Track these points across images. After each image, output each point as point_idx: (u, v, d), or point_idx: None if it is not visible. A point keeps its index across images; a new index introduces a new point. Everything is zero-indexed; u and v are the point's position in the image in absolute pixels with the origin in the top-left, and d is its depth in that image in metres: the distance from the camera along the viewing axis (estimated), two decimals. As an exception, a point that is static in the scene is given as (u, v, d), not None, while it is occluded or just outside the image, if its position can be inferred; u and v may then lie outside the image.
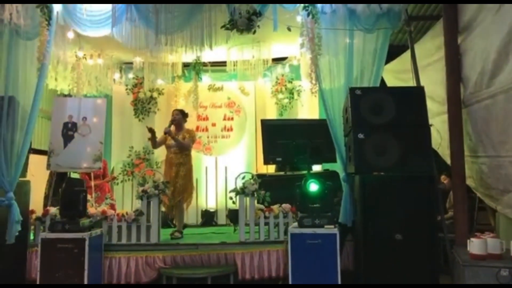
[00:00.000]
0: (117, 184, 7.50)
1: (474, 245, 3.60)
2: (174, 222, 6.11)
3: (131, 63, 7.32)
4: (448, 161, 4.88)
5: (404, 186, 4.08)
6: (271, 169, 6.90)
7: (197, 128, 7.81)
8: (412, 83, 5.16)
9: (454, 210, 4.66)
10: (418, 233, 3.98)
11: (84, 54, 6.59)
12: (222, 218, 7.35)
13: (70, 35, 5.43)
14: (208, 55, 6.78)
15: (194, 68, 7.53)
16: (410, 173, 4.12)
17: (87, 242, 4.24)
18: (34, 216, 4.92)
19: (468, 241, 3.71)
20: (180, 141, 5.72)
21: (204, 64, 7.54)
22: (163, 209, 5.52)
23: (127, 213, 4.96)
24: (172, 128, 5.78)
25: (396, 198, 4.05)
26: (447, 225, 4.79)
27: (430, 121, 4.32)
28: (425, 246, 3.97)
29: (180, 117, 5.92)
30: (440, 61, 4.96)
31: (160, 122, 7.72)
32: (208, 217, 7.31)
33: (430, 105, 4.59)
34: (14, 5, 4.36)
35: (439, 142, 5.05)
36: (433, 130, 4.45)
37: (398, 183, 4.09)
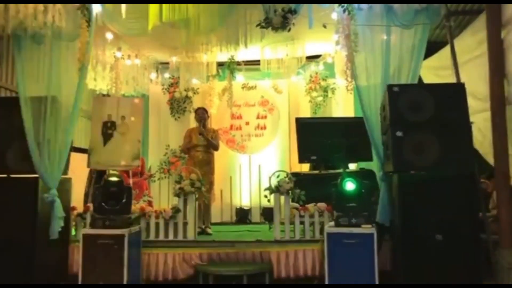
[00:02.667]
0: (154, 181, 7.65)
1: (520, 247, 3.47)
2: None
3: (167, 63, 7.46)
4: (491, 161, 4.72)
5: (444, 185, 3.97)
6: (305, 167, 6.87)
7: (231, 126, 7.88)
8: (451, 79, 5.01)
9: (498, 211, 4.50)
10: (459, 233, 3.87)
11: (122, 55, 6.74)
12: (256, 216, 7.39)
13: (109, 36, 5.57)
14: (242, 54, 6.82)
15: (228, 67, 7.58)
16: (450, 172, 4.01)
17: (126, 238, 4.33)
18: (75, 212, 5.07)
19: (513, 243, 3.58)
20: (211, 141, 5.85)
21: (238, 63, 7.58)
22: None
23: (164, 210, 5.05)
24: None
25: (435, 197, 3.95)
26: (489, 225, 4.63)
27: (471, 119, 4.19)
28: (466, 247, 3.86)
29: (207, 116, 6.08)
30: (481, 56, 4.81)
31: (195, 121, 7.83)
32: (243, 215, 7.36)
33: (471, 102, 4.44)
34: (57, 7, 4.50)
35: (480, 140, 4.89)
36: (474, 128, 4.32)
37: (438, 182, 3.99)
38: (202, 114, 6.13)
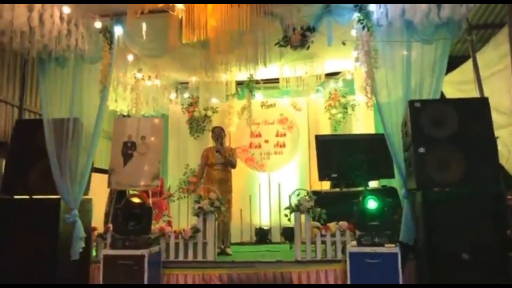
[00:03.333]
0: (173, 201, 7.65)
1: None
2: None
3: (187, 83, 7.54)
4: (517, 176, 4.59)
5: (470, 202, 3.87)
6: (325, 185, 6.79)
7: (250, 144, 7.87)
8: (473, 94, 4.92)
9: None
10: (486, 252, 3.75)
11: (143, 76, 6.84)
12: (276, 236, 7.30)
13: (130, 57, 5.67)
14: (261, 72, 6.84)
15: (247, 86, 7.62)
16: (476, 189, 3.90)
17: (146, 259, 4.31)
18: (96, 233, 5.09)
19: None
20: (229, 158, 5.87)
21: (257, 82, 7.61)
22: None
23: (184, 230, 5.02)
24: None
25: (461, 215, 3.85)
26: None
27: (496, 134, 4.09)
28: (494, 266, 3.73)
29: (223, 134, 6.11)
30: (504, 70, 4.72)
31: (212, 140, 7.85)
32: (262, 235, 7.28)
33: (495, 116, 4.34)
34: (80, 31, 4.61)
35: (506, 156, 4.76)
36: (499, 143, 4.21)
37: (463, 200, 3.89)
38: (218, 133, 6.17)
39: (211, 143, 7.74)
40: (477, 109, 4.10)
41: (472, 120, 4.02)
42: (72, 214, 4.44)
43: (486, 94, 4.64)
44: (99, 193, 5.97)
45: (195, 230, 4.97)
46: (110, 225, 5.11)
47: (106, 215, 6.56)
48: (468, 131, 3.98)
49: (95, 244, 5.09)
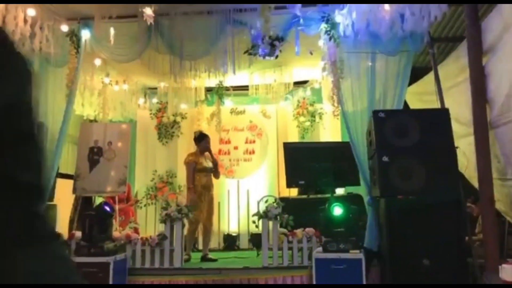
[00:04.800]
0: (141, 207, 7.56)
1: (507, 271, 3.48)
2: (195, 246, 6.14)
3: (156, 88, 7.48)
4: (476, 185, 4.77)
5: (431, 210, 4.00)
6: (293, 192, 6.86)
7: (219, 151, 7.85)
8: (435, 105, 5.09)
9: (483, 234, 4.53)
10: (446, 258, 3.88)
11: (110, 80, 6.76)
12: (244, 242, 7.30)
13: (97, 62, 5.60)
14: (231, 79, 6.88)
15: (217, 93, 7.63)
16: (437, 197, 4.04)
17: (111, 266, 4.26)
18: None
19: (499, 267, 3.59)
20: (217, 167, 5.97)
21: (227, 89, 7.63)
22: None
23: (150, 237, 4.98)
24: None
25: (422, 222, 3.97)
26: (475, 249, 4.65)
27: (456, 144, 4.25)
28: (453, 271, 3.87)
29: None
30: (464, 82, 4.91)
31: (183, 146, 7.82)
32: (230, 241, 7.27)
33: (455, 127, 4.52)
34: (44, 34, 4.53)
35: (465, 165, 4.94)
36: (459, 153, 4.38)
37: (425, 207, 4.01)
38: (209, 142, 6.18)
39: (180, 149, 7.74)
40: (438, 120, 4.25)
41: (433, 130, 4.16)
42: (34, 221, 4.33)
43: (447, 105, 4.81)
44: (64, 199, 5.85)
45: (162, 237, 4.93)
46: (75, 232, 5.01)
47: (71, 221, 6.42)
48: (429, 141, 4.12)
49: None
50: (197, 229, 5.93)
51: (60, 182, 5.31)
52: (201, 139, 6.11)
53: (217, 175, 6.17)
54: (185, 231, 5.53)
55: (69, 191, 5.83)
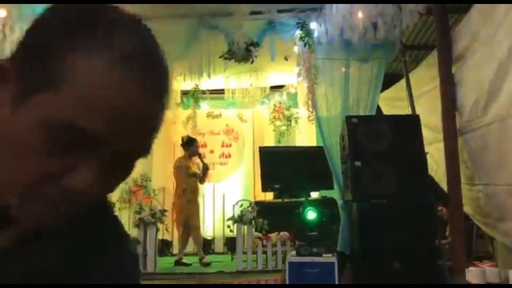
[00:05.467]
0: (114, 211, 7.45)
1: (473, 274, 3.58)
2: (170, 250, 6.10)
3: (130, 90, 7.40)
4: (445, 189, 4.89)
5: (402, 214, 4.07)
6: (269, 196, 6.89)
7: (195, 155, 7.82)
8: (407, 111, 5.21)
9: (451, 238, 4.65)
10: (417, 261, 3.96)
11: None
12: (219, 246, 7.29)
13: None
14: (207, 83, 6.89)
15: (192, 96, 7.62)
16: (408, 201, 4.12)
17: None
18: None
19: (466, 270, 3.69)
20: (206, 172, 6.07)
21: (203, 92, 7.62)
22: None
23: (123, 241, 4.92)
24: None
25: (394, 225, 4.03)
26: (446, 252, 4.76)
27: (426, 149, 4.35)
28: (424, 274, 3.94)
29: None
30: (435, 90, 5.03)
31: (158, 149, 7.75)
32: (206, 245, 7.23)
33: (426, 133, 4.63)
34: (16, 36, 4.43)
35: (435, 169, 5.05)
36: (429, 158, 4.49)
37: (396, 211, 4.08)
38: (198, 146, 6.16)
39: (155, 152, 7.63)
40: (409, 126, 4.35)
41: (405, 136, 4.25)
42: None
43: (418, 112, 4.92)
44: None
45: (135, 241, 4.88)
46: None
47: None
48: (401, 146, 4.20)
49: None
50: (190, 233, 5.88)
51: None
52: (190, 143, 6.11)
53: (203, 180, 6.15)
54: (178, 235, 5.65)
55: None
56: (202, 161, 6.04)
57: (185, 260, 5.72)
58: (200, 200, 7.54)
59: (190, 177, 5.92)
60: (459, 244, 4.39)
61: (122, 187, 7.58)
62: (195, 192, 5.92)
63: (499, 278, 3.51)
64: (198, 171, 5.99)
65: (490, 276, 3.52)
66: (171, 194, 7.56)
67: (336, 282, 4.06)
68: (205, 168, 6.06)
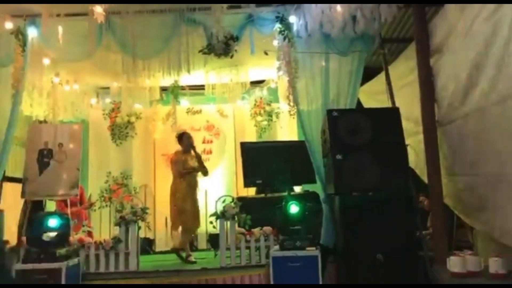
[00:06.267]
0: (95, 210, 7.34)
1: (454, 263, 3.62)
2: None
3: (108, 87, 7.28)
4: (426, 180, 4.95)
5: (384, 206, 4.11)
6: (251, 191, 6.88)
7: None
8: (387, 104, 5.25)
9: (432, 228, 4.71)
10: (399, 252, 4.00)
11: (60, 80, 6.51)
12: (202, 243, 7.25)
13: (46, 61, 5.37)
14: (186, 78, 6.79)
15: (172, 92, 7.52)
16: (389, 193, 4.15)
17: (63, 272, 4.11)
18: (8, 246, 4.76)
19: (447, 259, 3.73)
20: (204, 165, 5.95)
21: (182, 88, 7.53)
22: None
23: (104, 241, 4.85)
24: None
25: (376, 218, 4.06)
26: (427, 242, 4.82)
27: (406, 141, 4.39)
28: (406, 265, 3.99)
29: None
30: (414, 82, 5.07)
31: (138, 147, 7.67)
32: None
33: (406, 125, 4.67)
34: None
35: (416, 161, 5.11)
36: (409, 150, 4.53)
37: (378, 203, 4.12)
38: (191, 138, 6.02)
39: (136, 150, 7.59)
40: (389, 118, 4.38)
41: (385, 128, 4.28)
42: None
43: (397, 104, 4.95)
44: (12, 203, 5.59)
45: (117, 240, 4.82)
46: (25, 238, 4.81)
47: (20, 227, 6.14)
48: (381, 139, 4.23)
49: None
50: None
51: (7, 186, 5.06)
52: (180, 138, 6.05)
53: (205, 172, 6.05)
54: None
55: (18, 195, 5.57)
56: (194, 151, 5.94)
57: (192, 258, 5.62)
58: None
59: (190, 172, 5.85)
60: (440, 234, 4.46)
61: (102, 185, 7.47)
62: (192, 187, 5.83)
63: (479, 267, 3.57)
64: (195, 166, 5.89)
65: (471, 265, 3.57)
66: (152, 192, 7.50)
67: (319, 276, 4.07)
68: (198, 158, 5.94)
